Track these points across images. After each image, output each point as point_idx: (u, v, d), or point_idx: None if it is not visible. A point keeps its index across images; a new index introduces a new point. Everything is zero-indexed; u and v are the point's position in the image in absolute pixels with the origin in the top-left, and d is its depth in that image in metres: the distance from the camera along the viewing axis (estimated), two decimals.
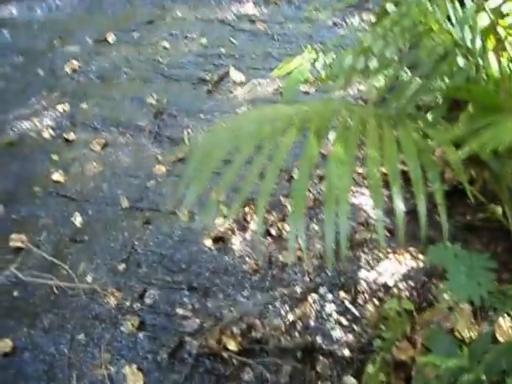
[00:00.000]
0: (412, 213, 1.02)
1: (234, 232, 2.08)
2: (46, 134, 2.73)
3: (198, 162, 0.92)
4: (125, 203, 2.30)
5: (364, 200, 2.17)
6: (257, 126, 0.89)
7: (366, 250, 2.01)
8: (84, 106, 2.91)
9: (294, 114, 0.90)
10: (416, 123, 1.02)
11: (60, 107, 2.90)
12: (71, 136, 2.71)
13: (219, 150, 0.90)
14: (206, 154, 0.92)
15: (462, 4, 1.24)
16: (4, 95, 3.06)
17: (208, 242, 2.08)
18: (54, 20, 3.79)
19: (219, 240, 2.08)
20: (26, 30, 3.71)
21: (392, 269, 1.92)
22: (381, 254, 1.98)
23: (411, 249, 1.95)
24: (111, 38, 3.49)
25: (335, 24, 3.46)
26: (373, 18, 3.39)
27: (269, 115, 0.97)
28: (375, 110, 1.05)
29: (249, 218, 2.12)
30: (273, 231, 2.07)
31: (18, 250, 2.14)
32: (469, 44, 1.04)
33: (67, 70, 3.21)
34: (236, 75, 3.02)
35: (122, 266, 2.03)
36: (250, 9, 3.70)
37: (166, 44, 3.38)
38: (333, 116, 0.91)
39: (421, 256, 1.93)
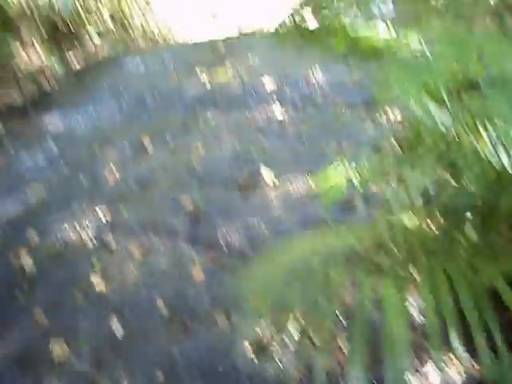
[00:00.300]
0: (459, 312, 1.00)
1: (273, 339, 2.06)
2: (87, 241, 2.84)
3: (252, 299, 0.96)
4: (164, 310, 2.32)
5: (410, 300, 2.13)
6: (307, 269, 0.94)
7: (411, 351, 1.94)
8: (123, 211, 3.04)
9: (340, 249, 0.94)
10: (462, 249, 1.03)
11: (101, 213, 3.04)
12: (111, 242, 2.80)
13: (272, 290, 0.95)
14: (259, 293, 0.96)
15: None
16: (50, 204, 3.23)
17: (248, 349, 2.05)
18: (95, 129, 4.09)
19: (259, 347, 2.05)
20: (70, 140, 4.00)
21: (440, 373, 1.83)
22: (426, 357, 1.91)
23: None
24: (148, 143, 3.71)
25: (362, 120, 3.61)
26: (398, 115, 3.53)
27: (317, 251, 1.02)
28: (421, 231, 1.08)
29: (288, 323, 2.10)
30: (311, 333, 2.04)
31: (59, 359, 2.15)
32: (507, 165, 1.06)
33: (107, 176, 3.40)
34: (268, 176, 3.14)
35: (161, 376, 2.01)
36: (278, 111, 3.92)
37: (200, 148, 3.57)
38: (380, 249, 0.95)
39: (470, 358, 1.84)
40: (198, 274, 2.50)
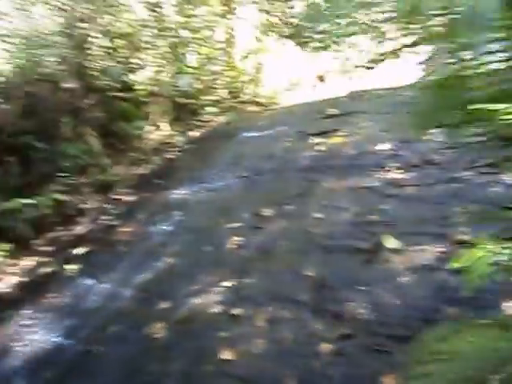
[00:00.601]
0: None
1: None
2: (213, 310, 2.92)
3: None
4: None
5: None
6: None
7: None
8: (247, 280, 3.10)
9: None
10: None
11: (225, 282, 3.12)
12: (237, 311, 2.85)
13: None
14: None
15: None
16: (177, 271, 3.41)
17: None
18: (216, 200, 4.29)
19: None
20: (194, 211, 4.24)
21: None
22: None
23: None
24: (267, 213, 3.80)
25: (488, 182, 3.39)
26: None
27: (485, 349, 0.94)
28: None
29: None
30: None
31: None
32: None
33: (230, 245, 3.52)
34: (391, 242, 3.03)
35: None
36: (396, 174, 3.82)
37: (318, 215, 3.57)
38: None
39: None
40: (324, 346, 2.43)
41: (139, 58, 7.01)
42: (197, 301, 3.02)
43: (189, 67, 7.54)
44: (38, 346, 3.04)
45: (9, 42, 5.56)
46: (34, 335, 3.15)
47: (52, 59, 5.85)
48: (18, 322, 3.31)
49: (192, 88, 7.30)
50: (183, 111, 6.89)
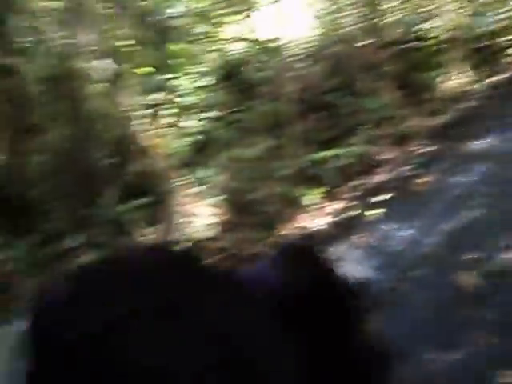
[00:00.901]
0: None
1: None
2: None
3: None
4: None
5: None
6: None
7: None
8: None
9: None
10: None
11: None
12: None
13: None
14: None
15: None
16: (483, 224, 3.31)
17: None
18: None
19: None
20: (500, 162, 3.97)
21: None
22: None
23: None
24: None
25: None
26: None
27: None
28: None
29: None
30: None
31: None
32: None
33: None
34: None
35: None
36: None
37: None
38: None
39: None
40: None
41: (433, 4, 6.72)
42: (509, 255, 2.90)
43: (489, 3, 6.83)
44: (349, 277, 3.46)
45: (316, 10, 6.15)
46: (345, 268, 3.58)
47: (348, 19, 6.19)
48: (331, 256, 3.81)
49: (493, 27, 6.62)
50: (483, 55, 6.34)
